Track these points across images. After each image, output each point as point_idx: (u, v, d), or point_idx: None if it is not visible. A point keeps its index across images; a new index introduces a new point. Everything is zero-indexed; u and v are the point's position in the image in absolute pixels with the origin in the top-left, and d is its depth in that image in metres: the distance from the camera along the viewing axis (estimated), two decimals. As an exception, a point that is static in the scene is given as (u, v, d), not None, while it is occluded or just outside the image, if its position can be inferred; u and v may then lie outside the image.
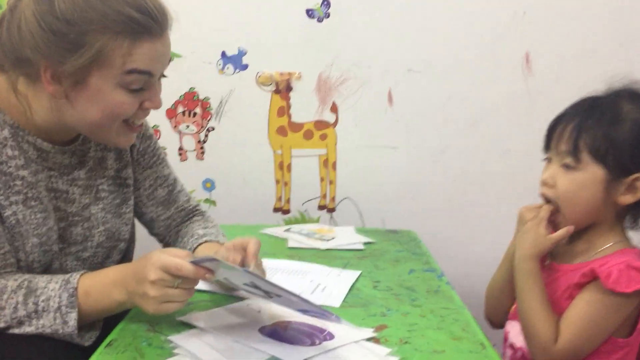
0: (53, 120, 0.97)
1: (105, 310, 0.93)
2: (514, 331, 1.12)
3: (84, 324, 0.93)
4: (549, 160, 1.08)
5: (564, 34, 1.77)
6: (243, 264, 0.98)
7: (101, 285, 0.92)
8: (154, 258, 0.87)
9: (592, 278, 0.99)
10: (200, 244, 1.16)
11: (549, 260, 1.12)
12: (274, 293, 0.86)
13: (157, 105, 0.99)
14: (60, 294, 0.90)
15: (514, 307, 1.15)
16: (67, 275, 0.93)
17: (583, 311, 0.98)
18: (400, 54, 1.80)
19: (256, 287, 0.87)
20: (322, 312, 0.86)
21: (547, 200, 1.07)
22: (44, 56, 0.89)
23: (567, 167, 1.02)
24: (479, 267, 1.86)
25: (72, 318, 0.89)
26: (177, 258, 0.86)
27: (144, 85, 0.96)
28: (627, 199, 1.01)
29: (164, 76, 1.01)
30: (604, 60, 1.75)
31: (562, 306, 1.02)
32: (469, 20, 1.78)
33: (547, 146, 1.08)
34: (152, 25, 0.92)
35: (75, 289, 0.91)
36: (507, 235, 1.79)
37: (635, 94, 1.04)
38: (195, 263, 0.85)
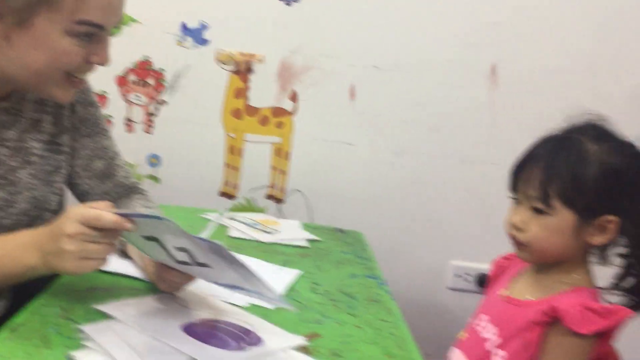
0: None
1: (15, 276, 0.85)
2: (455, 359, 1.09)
3: None
4: (516, 200, 1.05)
5: (532, 51, 1.75)
6: None
7: (11, 248, 0.84)
8: (72, 212, 0.79)
9: (552, 317, 0.96)
10: None
11: (506, 292, 1.09)
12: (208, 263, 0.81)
13: (105, 61, 0.93)
14: None
15: (461, 335, 1.12)
16: None
17: None
18: (368, 49, 1.75)
19: (187, 252, 0.80)
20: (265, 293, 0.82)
21: (517, 242, 1.04)
22: None
23: (537, 211, 1.00)
24: (424, 278, 1.85)
25: None
26: (96, 209, 0.79)
27: (93, 37, 0.89)
28: (597, 239, 0.99)
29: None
30: (570, 82, 1.73)
31: (526, 337, 0.98)
32: (441, 24, 1.74)
33: (514, 188, 1.05)
34: None
35: None
36: (457, 247, 1.82)
37: (600, 134, 1.01)
38: (120, 215, 0.79)
